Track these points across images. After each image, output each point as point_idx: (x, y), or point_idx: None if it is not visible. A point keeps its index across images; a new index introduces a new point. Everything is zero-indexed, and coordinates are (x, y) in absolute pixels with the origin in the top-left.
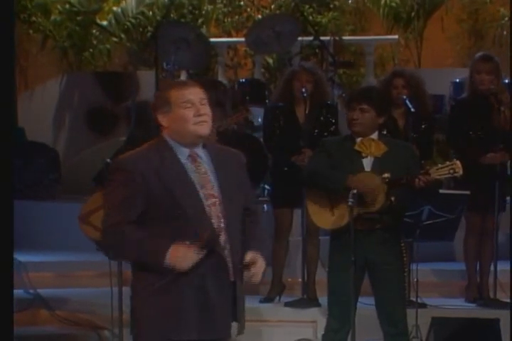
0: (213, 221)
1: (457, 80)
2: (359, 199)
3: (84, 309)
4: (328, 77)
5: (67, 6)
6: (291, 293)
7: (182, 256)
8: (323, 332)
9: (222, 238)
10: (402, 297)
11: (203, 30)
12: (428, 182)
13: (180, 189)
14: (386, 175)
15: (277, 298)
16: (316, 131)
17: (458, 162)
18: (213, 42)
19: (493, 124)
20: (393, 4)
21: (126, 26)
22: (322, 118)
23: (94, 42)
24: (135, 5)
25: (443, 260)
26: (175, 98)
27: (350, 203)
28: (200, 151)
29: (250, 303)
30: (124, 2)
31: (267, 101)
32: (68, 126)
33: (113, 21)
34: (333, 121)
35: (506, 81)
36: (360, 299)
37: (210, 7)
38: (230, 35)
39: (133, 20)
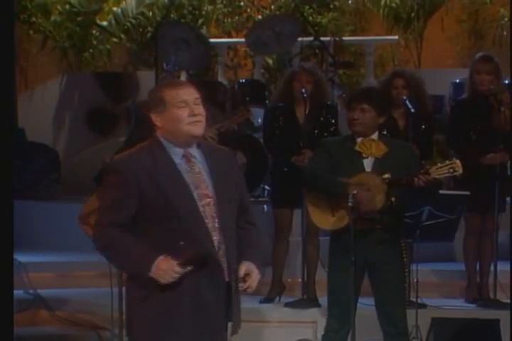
0: (208, 221)
1: (457, 81)
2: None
3: (84, 309)
4: (328, 78)
5: (67, 6)
6: (291, 294)
7: (166, 269)
8: (323, 333)
9: (217, 238)
10: (402, 297)
11: (203, 30)
12: (428, 181)
13: (173, 189)
14: (386, 175)
15: (277, 298)
16: (316, 131)
17: (458, 161)
18: (213, 42)
19: (493, 125)
20: (393, 5)
21: (126, 27)
22: (322, 118)
23: (94, 42)
24: (135, 5)
25: (443, 260)
26: (169, 98)
27: (350, 204)
28: (194, 151)
29: (250, 303)
30: (124, 2)
31: (266, 101)
32: (68, 126)
33: (113, 22)
34: (333, 121)
35: (506, 81)
36: (360, 299)
37: (210, 7)
38: (230, 36)
39: (133, 21)
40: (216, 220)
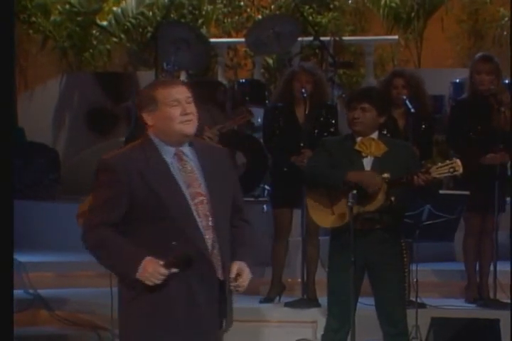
0: (201, 220)
1: (457, 80)
2: (359, 196)
3: (84, 309)
4: (328, 78)
5: (67, 6)
6: (291, 293)
7: (152, 271)
8: (322, 332)
9: (211, 237)
10: (401, 297)
11: (203, 30)
12: (428, 180)
13: (165, 189)
14: (386, 175)
15: (277, 298)
16: (316, 131)
17: (458, 161)
18: (213, 42)
19: (493, 125)
20: (393, 4)
21: (126, 27)
22: (322, 118)
23: (94, 42)
24: (135, 5)
25: (443, 260)
26: (161, 97)
27: (349, 204)
28: (186, 149)
29: (250, 303)
30: (124, 2)
31: (266, 101)
32: (68, 126)
33: (113, 22)
34: (333, 121)
35: (506, 81)
36: (360, 299)
37: (210, 7)
38: (229, 36)
39: (133, 21)
40: (210, 219)
